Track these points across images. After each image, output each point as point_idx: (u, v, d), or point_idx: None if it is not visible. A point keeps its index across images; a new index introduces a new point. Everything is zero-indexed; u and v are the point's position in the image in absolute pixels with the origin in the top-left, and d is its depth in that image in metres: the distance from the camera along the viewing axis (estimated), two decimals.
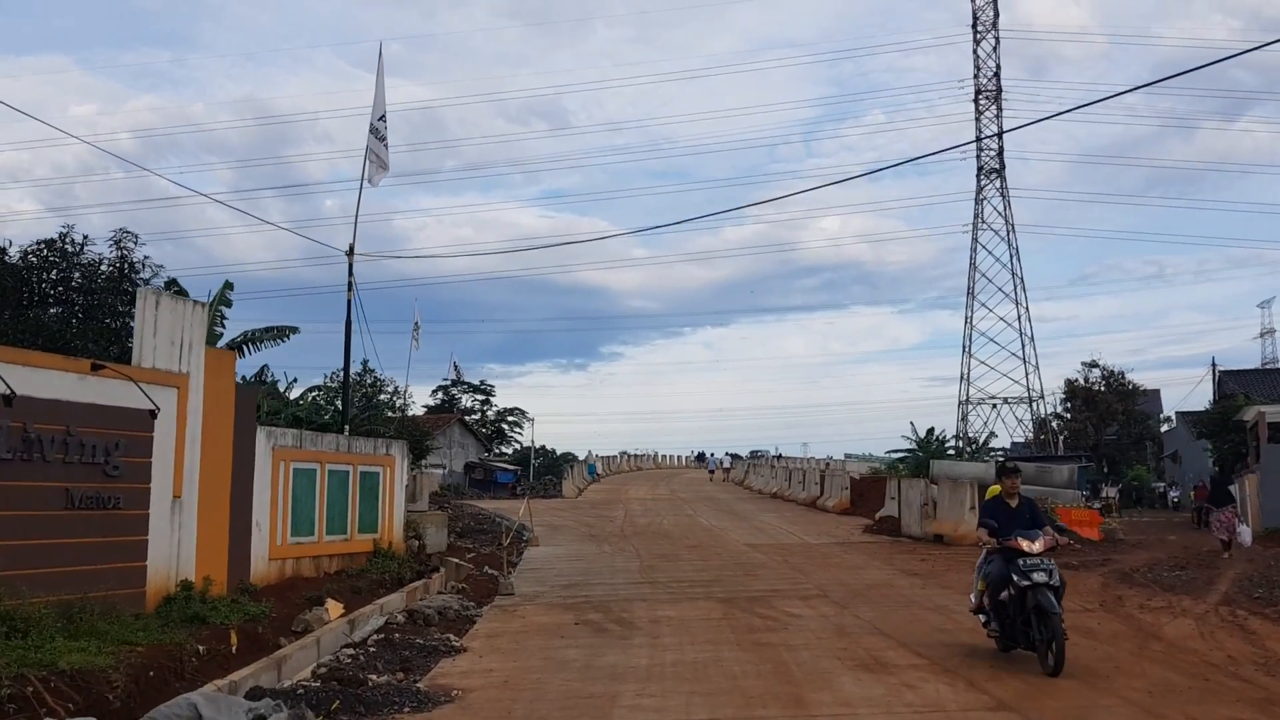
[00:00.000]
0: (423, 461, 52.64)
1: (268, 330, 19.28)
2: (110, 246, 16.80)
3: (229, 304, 18.97)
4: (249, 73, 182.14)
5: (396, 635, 10.39)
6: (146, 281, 16.90)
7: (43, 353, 10.66)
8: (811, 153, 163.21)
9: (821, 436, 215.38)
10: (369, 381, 48.76)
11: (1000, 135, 68.13)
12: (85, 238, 16.68)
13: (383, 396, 49.52)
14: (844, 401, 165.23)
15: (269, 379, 32.06)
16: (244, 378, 31.50)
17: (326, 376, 45.25)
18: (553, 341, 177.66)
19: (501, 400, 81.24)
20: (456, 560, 19.67)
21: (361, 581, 14.70)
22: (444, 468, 60.40)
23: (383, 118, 18.98)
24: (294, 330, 19.58)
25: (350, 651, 9.61)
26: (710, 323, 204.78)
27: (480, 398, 79.24)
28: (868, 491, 31.11)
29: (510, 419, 79.79)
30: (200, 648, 9.67)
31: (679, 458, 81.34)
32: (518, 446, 79.40)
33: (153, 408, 10.91)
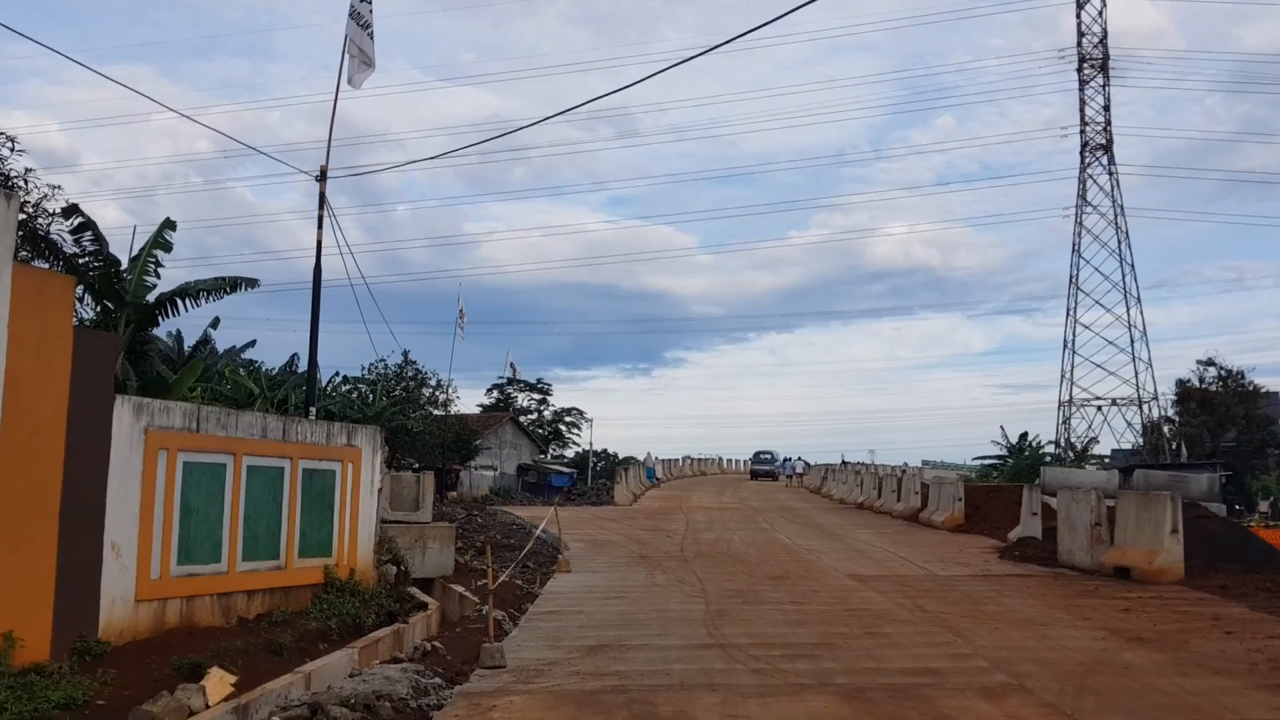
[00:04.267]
0: (471, 462, 48.56)
1: (217, 280, 14.68)
2: None
3: (168, 247, 14.41)
4: (325, 82, 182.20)
5: None
6: (35, 206, 12.41)
7: None
8: (880, 156, 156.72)
9: (888, 443, 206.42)
10: (409, 374, 44.60)
11: (1108, 108, 61.30)
12: None
13: (425, 391, 45.38)
14: (912, 408, 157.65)
15: (298, 368, 27.70)
16: (271, 368, 27.03)
17: (364, 369, 41.26)
18: (617, 346, 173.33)
19: (563, 403, 76.84)
20: (462, 590, 14.75)
21: (289, 633, 9.85)
22: (495, 469, 56.03)
23: None
24: (251, 283, 14.95)
25: None
26: (775, 328, 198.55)
27: (537, 397, 74.98)
28: (985, 504, 25.55)
29: (568, 419, 75.32)
30: None
31: (746, 462, 75.42)
32: (577, 450, 74.82)
33: None
